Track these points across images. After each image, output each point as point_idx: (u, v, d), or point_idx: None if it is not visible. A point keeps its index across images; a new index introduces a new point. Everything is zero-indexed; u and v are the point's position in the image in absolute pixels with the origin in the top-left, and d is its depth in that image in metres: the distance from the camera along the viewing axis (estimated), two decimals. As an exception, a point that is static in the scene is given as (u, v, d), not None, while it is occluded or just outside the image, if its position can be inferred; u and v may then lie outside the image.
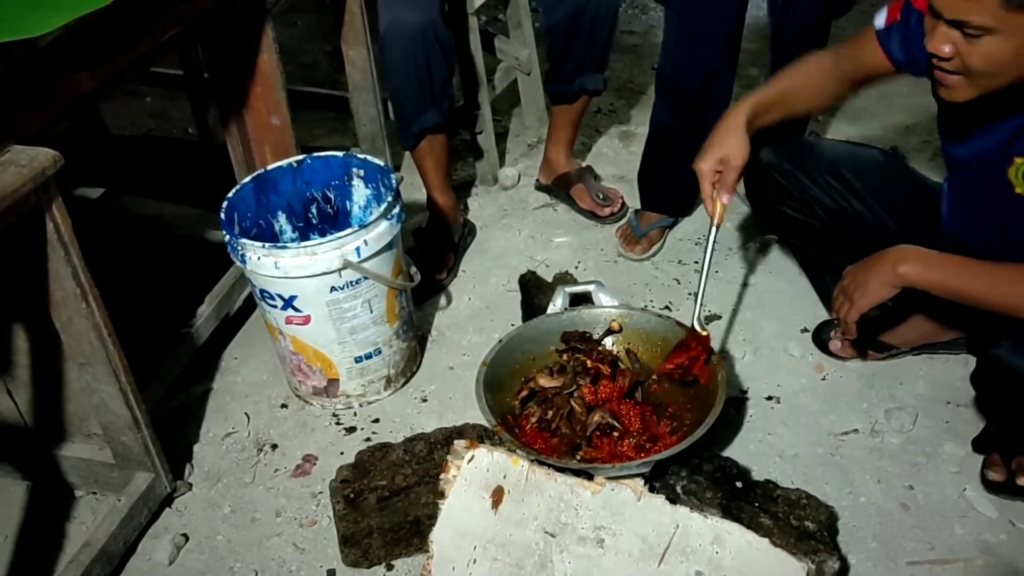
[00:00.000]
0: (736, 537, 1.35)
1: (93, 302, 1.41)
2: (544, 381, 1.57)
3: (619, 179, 2.51)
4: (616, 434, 1.49)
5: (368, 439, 1.76)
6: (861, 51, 1.56)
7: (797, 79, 1.64)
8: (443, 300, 2.13)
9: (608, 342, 1.68)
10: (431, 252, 2.19)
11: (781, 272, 2.13)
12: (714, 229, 1.58)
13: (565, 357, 1.62)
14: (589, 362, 1.57)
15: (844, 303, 1.52)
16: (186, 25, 1.61)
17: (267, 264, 1.64)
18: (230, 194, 1.77)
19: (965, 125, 1.45)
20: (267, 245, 1.63)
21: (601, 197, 2.38)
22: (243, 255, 1.66)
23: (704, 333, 1.58)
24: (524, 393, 1.58)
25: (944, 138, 1.54)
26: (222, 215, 1.72)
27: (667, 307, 2.05)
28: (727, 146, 1.54)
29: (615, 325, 1.68)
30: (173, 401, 1.88)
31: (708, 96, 2.03)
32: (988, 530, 1.52)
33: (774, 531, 1.36)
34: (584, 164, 2.49)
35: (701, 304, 1.60)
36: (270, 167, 1.85)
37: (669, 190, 2.22)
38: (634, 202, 2.32)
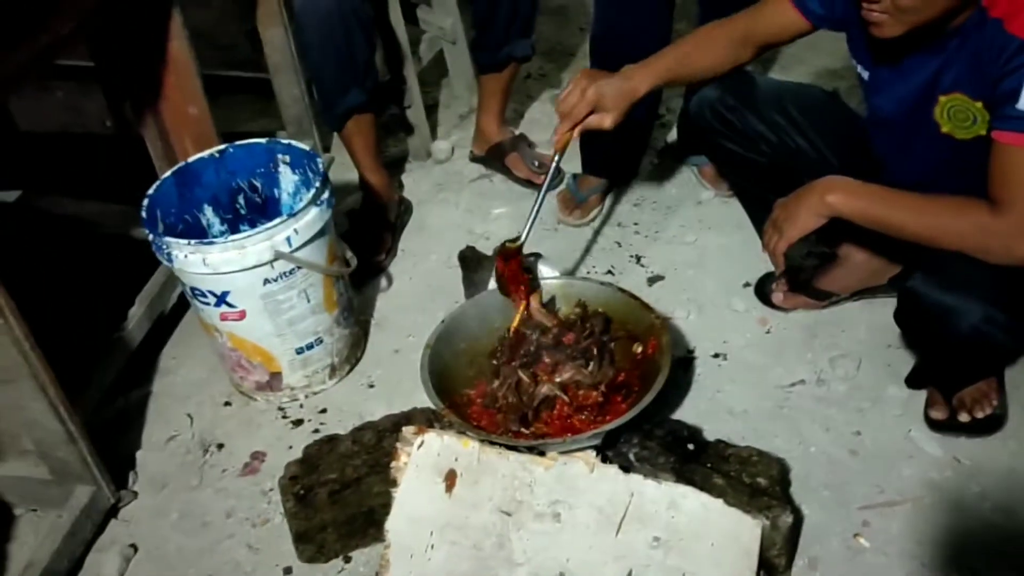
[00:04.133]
0: (691, 500, 1.36)
1: (11, 316, 1.35)
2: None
3: (554, 144, 2.48)
4: (563, 407, 1.49)
5: (316, 430, 1.73)
6: (770, 14, 1.57)
7: (698, 51, 1.63)
8: (384, 282, 2.09)
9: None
10: (367, 234, 2.14)
11: (721, 228, 2.14)
12: (557, 156, 1.62)
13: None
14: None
15: (773, 235, 1.52)
16: (86, 15, 1.52)
17: (195, 261, 1.58)
18: (150, 191, 1.70)
19: (885, 74, 1.46)
20: (193, 242, 1.57)
21: (536, 165, 2.35)
22: (169, 253, 1.60)
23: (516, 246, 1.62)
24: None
25: (866, 93, 1.54)
26: (143, 213, 1.65)
27: (609, 271, 2.04)
28: (614, 110, 1.54)
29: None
30: (111, 408, 1.81)
31: (643, 55, 2.00)
32: (934, 468, 1.55)
33: (727, 491, 1.37)
34: (517, 132, 2.46)
35: (531, 224, 1.63)
36: (191, 159, 1.78)
37: (609, 153, 2.20)
38: (570, 166, 2.30)
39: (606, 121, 1.55)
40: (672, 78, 1.61)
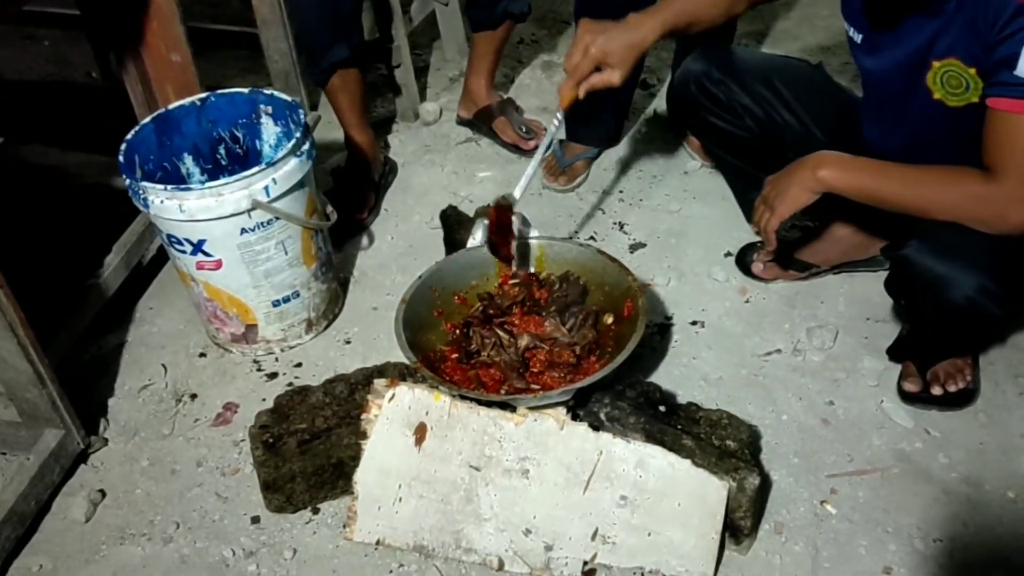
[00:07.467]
0: (659, 460, 1.36)
1: (-21, 254, 1.33)
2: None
3: (542, 110, 2.47)
4: (546, 350, 1.49)
5: (290, 384, 1.72)
6: None
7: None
8: (365, 240, 2.08)
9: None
10: (351, 192, 2.13)
11: (705, 198, 2.13)
12: (560, 113, 1.54)
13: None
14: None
15: (765, 212, 1.51)
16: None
17: (171, 207, 1.56)
18: (128, 136, 1.68)
19: (880, 37, 1.44)
20: (170, 187, 1.56)
21: (524, 130, 2.33)
22: (145, 199, 1.59)
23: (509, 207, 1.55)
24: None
25: (858, 55, 1.53)
26: (120, 158, 1.63)
27: (591, 237, 2.04)
28: (621, 65, 1.43)
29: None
30: (85, 355, 1.80)
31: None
32: (904, 439, 1.55)
33: (696, 452, 1.37)
34: (506, 96, 2.44)
35: (529, 179, 1.56)
36: (171, 106, 1.76)
37: (595, 121, 2.18)
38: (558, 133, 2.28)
39: (614, 77, 1.44)
40: (678, 25, 1.48)
